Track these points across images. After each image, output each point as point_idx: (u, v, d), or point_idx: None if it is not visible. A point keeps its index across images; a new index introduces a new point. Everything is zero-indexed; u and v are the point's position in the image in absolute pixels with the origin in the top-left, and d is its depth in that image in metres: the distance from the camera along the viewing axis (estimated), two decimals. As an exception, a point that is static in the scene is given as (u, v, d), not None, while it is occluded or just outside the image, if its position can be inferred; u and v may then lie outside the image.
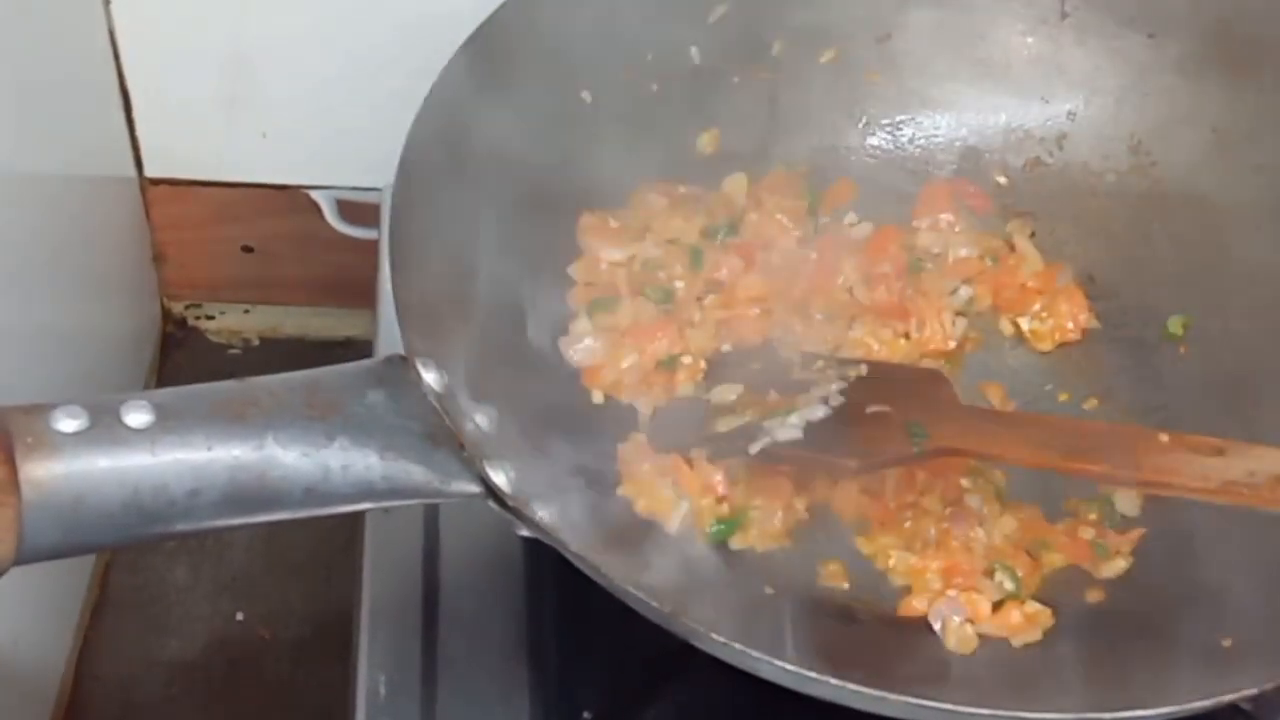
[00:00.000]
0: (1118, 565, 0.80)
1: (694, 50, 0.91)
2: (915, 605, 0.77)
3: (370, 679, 0.79)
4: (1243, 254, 0.87)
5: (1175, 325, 0.88)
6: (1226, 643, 0.71)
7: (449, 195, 0.79)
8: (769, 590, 0.77)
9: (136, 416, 0.61)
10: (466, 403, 0.70)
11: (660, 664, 0.80)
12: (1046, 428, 0.79)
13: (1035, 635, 0.76)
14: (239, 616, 1.20)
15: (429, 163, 0.78)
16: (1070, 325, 0.90)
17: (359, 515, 0.85)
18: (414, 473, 0.66)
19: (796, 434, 0.79)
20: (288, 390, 0.65)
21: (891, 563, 0.79)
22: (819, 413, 0.80)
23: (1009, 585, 0.78)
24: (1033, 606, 0.77)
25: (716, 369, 0.85)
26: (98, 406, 0.61)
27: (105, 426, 0.61)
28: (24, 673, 1.07)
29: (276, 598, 1.21)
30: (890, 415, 0.79)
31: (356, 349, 1.23)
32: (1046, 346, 0.90)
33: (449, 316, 0.75)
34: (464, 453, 0.67)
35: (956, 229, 0.93)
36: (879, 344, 0.87)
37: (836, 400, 0.80)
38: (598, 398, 0.83)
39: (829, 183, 0.94)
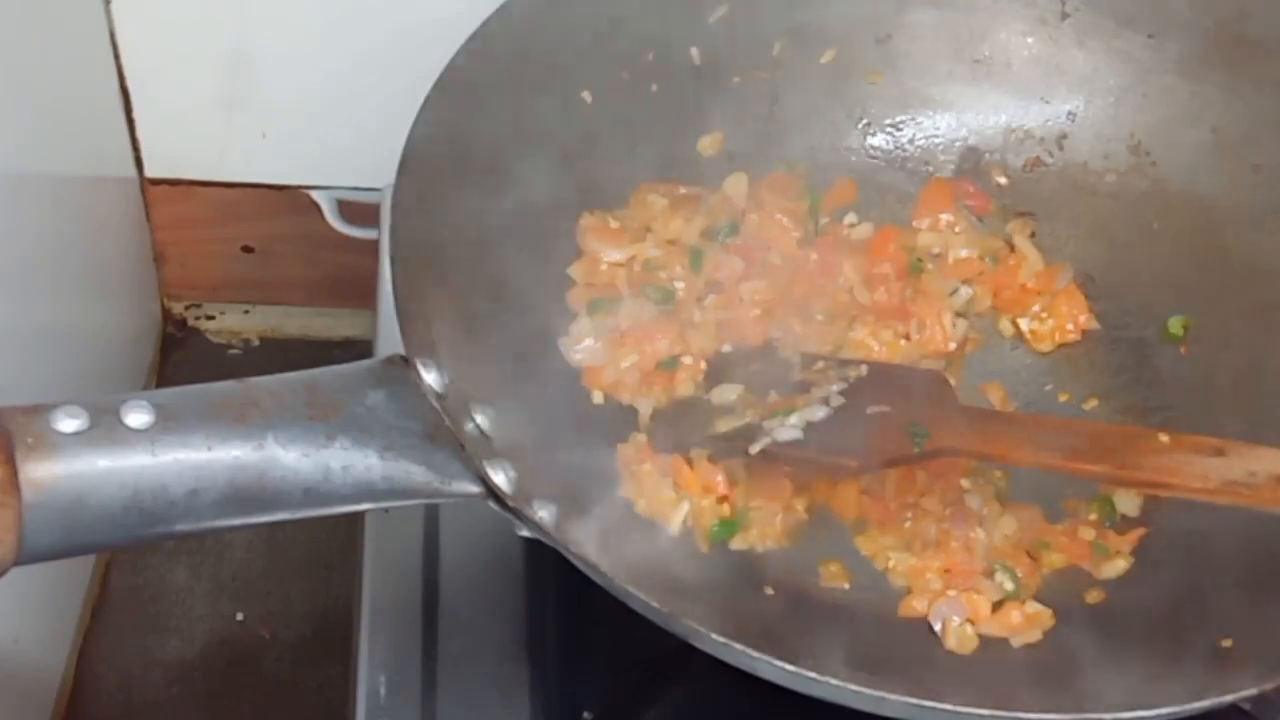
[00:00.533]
0: (1118, 565, 0.80)
1: (694, 50, 0.91)
2: (915, 605, 0.77)
3: (370, 679, 0.79)
4: (1243, 254, 0.87)
5: (1175, 325, 0.88)
6: (1226, 643, 0.71)
7: (449, 195, 0.79)
8: (769, 590, 0.77)
9: (137, 417, 0.61)
10: (467, 403, 0.70)
11: (660, 664, 0.80)
12: (1047, 428, 0.79)
13: (1035, 635, 0.76)
14: (239, 616, 1.20)
15: (429, 163, 0.78)
16: (1070, 326, 0.90)
17: (359, 515, 0.85)
18: (414, 473, 0.66)
19: (797, 434, 0.79)
20: (288, 390, 0.65)
21: (891, 563, 0.79)
22: (819, 413, 0.80)
23: (1009, 585, 0.78)
24: (1033, 607, 0.77)
25: (717, 369, 0.85)
26: (98, 407, 0.61)
27: (105, 427, 0.61)
28: (24, 672, 1.07)
29: (276, 598, 1.21)
30: (891, 416, 0.79)
31: (356, 349, 1.23)
32: (1046, 347, 0.90)
33: (449, 316, 0.75)
34: (464, 453, 0.67)
35: (956, 229, 0.93)
36: (879, 345, 0.87)
37: (837, 401, 0.80)
38: (598, 398, 0.83)
39: (829, 183, 0.94)
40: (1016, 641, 0.76)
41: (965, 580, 0.78)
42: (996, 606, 0.77)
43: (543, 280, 0.85)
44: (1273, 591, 0.74)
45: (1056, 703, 0.69)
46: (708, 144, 0.92)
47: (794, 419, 0.79)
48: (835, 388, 0.81)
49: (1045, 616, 0.77)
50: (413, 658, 0.80)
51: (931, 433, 0.78)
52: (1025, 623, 0.77)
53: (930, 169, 0.95)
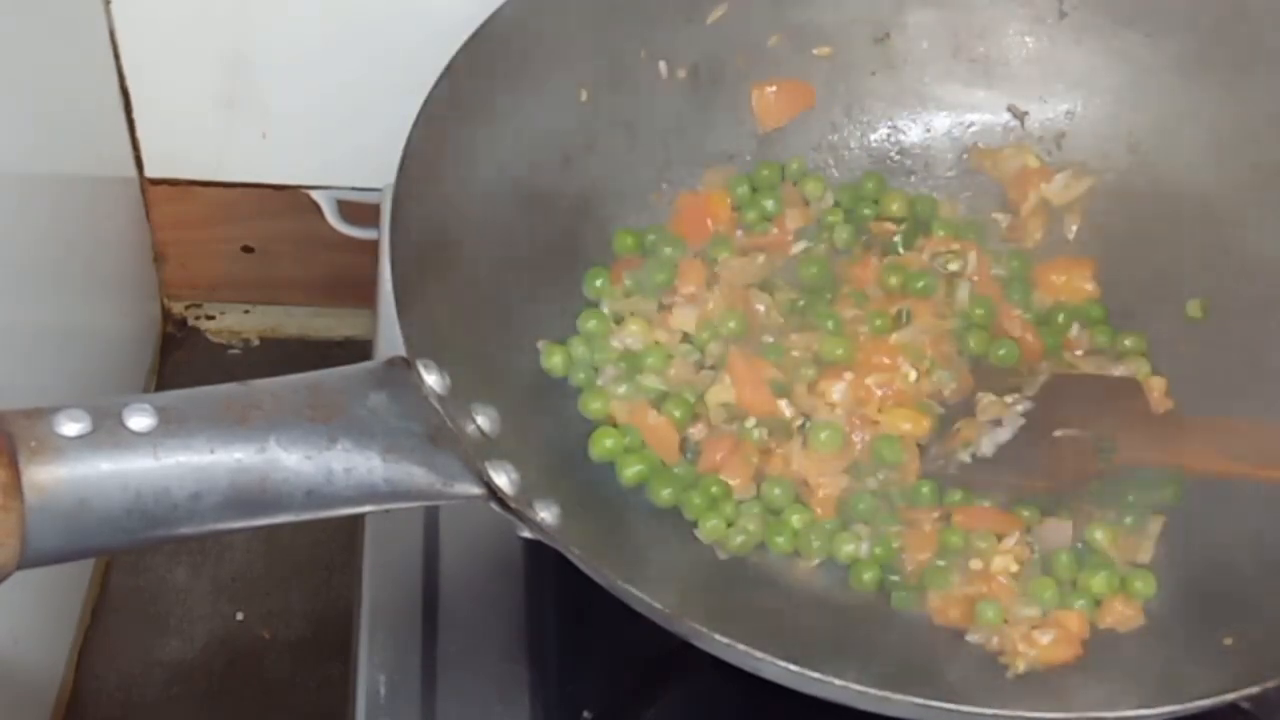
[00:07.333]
0: (1119, 566, 0.80)
1: (693, 51, 0.91)
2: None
3: (370, 679, 0.79)
4: (1242, 253, 0.87)
5: (1194, 308, 0.87)
6: (1227, 642, 0.71)
7: (449, 195, 0.79)
8: (770, 591, 0.77)
9: (139, 420, 0.61)
10: (468, 404, 0.70)
11: (660, 664, 0.80)
12: (1239, 435, 0.78)
13: (1035, 634, 0.77)
14: (239, 616, 1.20)
15: (429, 163, 0.78)
16: (1071, 326, 0.89)
17: (359, 516, 0.85)
18: (416, 474, 0.66)
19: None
20: (290, 393, 0.65)
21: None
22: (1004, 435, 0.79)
23: (1009, 585, 0.78)
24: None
25: None
26: (100, 409, 0.61)
27: (108, 430, 0.61)
28: (24, 673, 1.07)
29: (276, 598, 1.21)
30: (1079, 437, 0.78)
31: (356, 349, 1.23)
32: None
33: (449, 317, 0.75)
34: (466, 454, 0.67)
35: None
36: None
37: (1017, 421, 0.80)
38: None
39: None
40: (1018, 641, 0.76)
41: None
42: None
43: (543, 279, 0.85)
44: (1273, 590, 0.74)
45: (1057, 702, 0.70)
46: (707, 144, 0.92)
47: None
48: (1019, 406, 0.80)
49: (1045, 616, 0.77)
50: (413, 658, 0.80)
51: (1120, 446, 0.77)
52: (1026, 622, 0.77)
53: (928, 168, 0.95)
